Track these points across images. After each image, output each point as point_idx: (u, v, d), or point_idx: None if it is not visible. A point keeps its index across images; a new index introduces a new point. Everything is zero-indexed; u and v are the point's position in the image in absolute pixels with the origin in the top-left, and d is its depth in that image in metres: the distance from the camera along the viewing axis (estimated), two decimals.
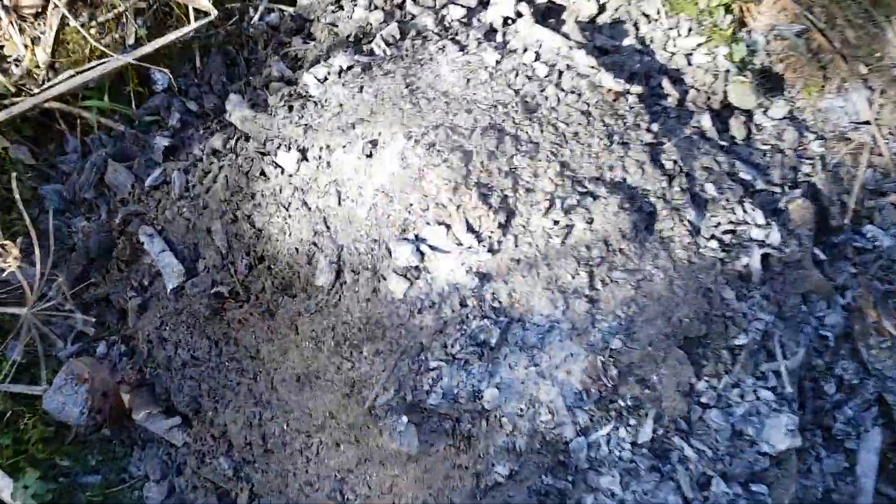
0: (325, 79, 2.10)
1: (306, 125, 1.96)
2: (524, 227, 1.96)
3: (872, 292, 2.67)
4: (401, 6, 2.41)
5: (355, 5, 2.38)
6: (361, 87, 2.03)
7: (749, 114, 2.95)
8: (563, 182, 2.07)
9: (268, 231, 1.91)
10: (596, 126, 2.22)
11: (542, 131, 2.11)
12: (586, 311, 1.99)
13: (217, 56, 2.39)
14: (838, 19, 2.96)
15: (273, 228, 1.90)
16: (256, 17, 2.46)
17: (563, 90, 2.21)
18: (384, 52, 2.18)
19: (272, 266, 1.91)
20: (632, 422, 2.10)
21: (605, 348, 2.04)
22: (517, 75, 2.17)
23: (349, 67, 2.10)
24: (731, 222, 2.53)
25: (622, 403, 2.06)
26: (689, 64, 2.74)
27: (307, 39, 2.37)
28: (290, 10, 2.48)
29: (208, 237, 1.98)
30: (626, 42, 2.61)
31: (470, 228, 1.85)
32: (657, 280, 2.21)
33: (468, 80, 2.13)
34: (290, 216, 1.87)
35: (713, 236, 2.46)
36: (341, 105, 1.99)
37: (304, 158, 1.93)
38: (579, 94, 2.23)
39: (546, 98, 2.18)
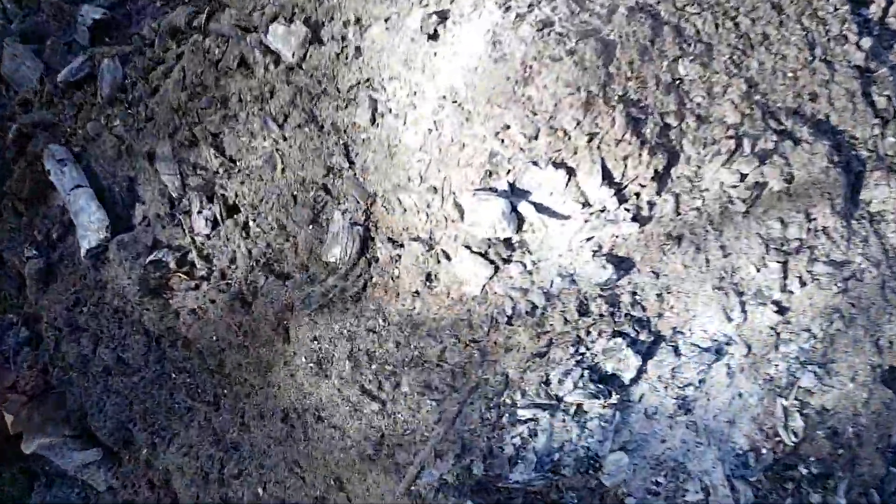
0: None
1: None
2: (692, 180, 1.12)
3: None
4: None
5: None
6: None
7: None
8: (752, 111, 1.23)
9: (246, 162, 1.09)
10: (791, 28, 1.36)
11: (717, 26, 1.25)
12: (771, 326, 1.19)
13: None
14: None
15: (255, 158, 1.07)
16: None
17: None
18: None
19: (250, 222, 1.09)
20: (814, 499, 1.34)
21: (790, 385, 1.25)
22: None
23: None
24: None
25: (804, 472, 1.38)
26: None
27: None
28: None
29: (150, 169, 1.16)
30: None
31: (607, 177, 1.03)
32: (867, 279, 1.41)
33: None
34: (284, 139, 1.04)
35: None
36: None
37: (316, 39, 1.09)
38: None
39: None
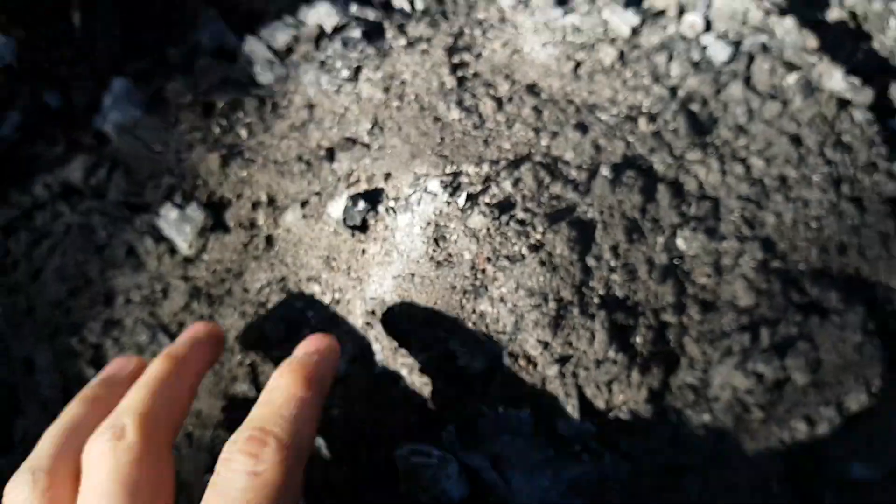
0: (290, 51, 1.04)
1: (237, 150, 0.88)
2: (697, 390, 0.89)
3: None
4: None
5: None
6: (358, 71, 0.97)
7: None
8: (770, 284, 0.99)
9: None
10: (813, 165, 1.14)
11: (723, 174, 1.03)
12: None
13: (109, 3, 1.32)
14: None
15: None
16: None
17: (756, 93, 1.13)
18: (411, 3, 1.11)
19: None
20: None
21: None
22: (672, 58, 1.09)
23: (339, 28, 1.03)
24: None
25: None
26: None
27: None
28: None
29: (30, 379, 0.93)
30: (832, 15, 1.51)
31: (587, 411, 0.79)
32: None
33: (578, 64, 1.05)
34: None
35: None
36: (311, 107, 0.93)
37: (219, 225, 0.86)
38: (784, 103, 1.14)
39: (725, 107, 1.10)
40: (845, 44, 1.54)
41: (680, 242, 0.93)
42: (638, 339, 0.82)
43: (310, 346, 0.59)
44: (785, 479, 0.91)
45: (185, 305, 0.82)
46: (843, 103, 1.26)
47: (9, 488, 0.49)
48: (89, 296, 0.87)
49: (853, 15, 1.59)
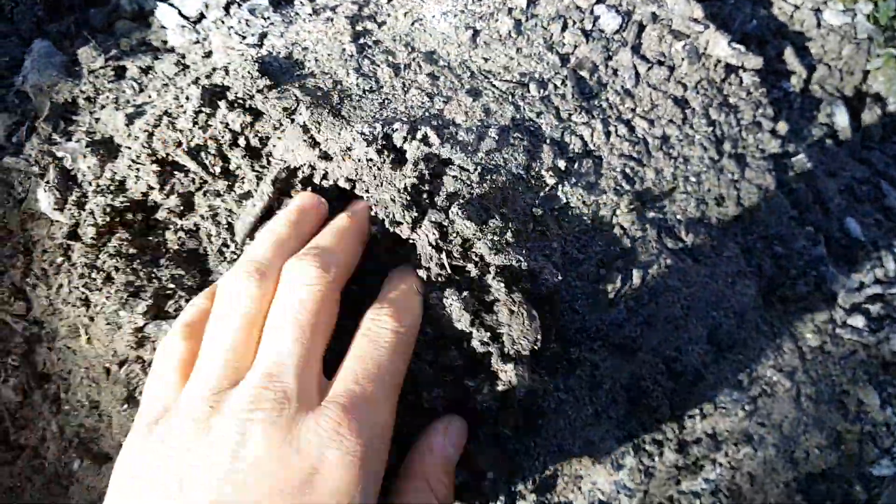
0: (202, 17, 1.09)
1: (143, 110, 0.95)
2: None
3: None
4: None
5: None
6: (264, 37, 1.03)
7: (883, 103, 1.96)
8: (645, 232, 1.11)
9: (52, 325, 0.93)
10: (697, 126, 1.24)
11: (607, 133, 1.13)
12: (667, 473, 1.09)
13: None
14: None
15: (60, 323, 0.92)
16: None
17: (644, 59, 1.23)
18: None
19: (61, 395, 0.94)
20: None
21: None
22: (566, 28, 1.18)
23: None
24: (880, 281, 1.58)
25: None
26: (819, 25, 1.74)
27: None
28: None
29: None
30: None
31: None
32: (780, 391, 1.30)
33: (476, 32, 1.13)
34: (89, 306, 0.88)
35: (855, 306, 1.51)
36: (215, 70, 0.99)
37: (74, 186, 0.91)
38: (671, 69, 1.24)
39: (615, 72, 1.20)
40: (743, 10, 1.65)
41: (561, 194, 1.03)
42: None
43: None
44: (663, 398, 1.03)
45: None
46: (732, 68, 1.37)
47: (228, 279, 0.60)
48: (10, 245, 0.94)
49: None
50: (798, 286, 1.36)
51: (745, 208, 1.30)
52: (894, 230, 1.69)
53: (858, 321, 1.49)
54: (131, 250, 0.79)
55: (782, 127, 1.42)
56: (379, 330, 0.57)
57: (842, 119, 1.67)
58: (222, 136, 0.86)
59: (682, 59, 1.26)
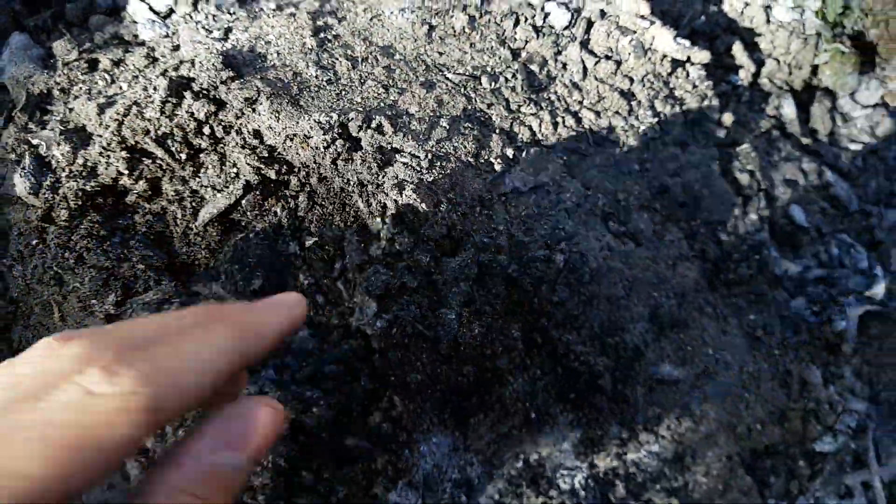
0: (170, 13, 1.15)
1: (113, 101, 1.01)
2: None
3: None
4: None
5: None
6: (229, 32, 1.10)
7: (833, 97, 2.05)
8: (588, 217, 1.18)
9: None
10: (643, 117, 1.32)
11: (555, 124, 1.21)
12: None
13: None
14: None
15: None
16: None
17: (592, 54, 1.30)
18: None
19: None
20: None
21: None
22: (517, 24, 1.25)
23: None
24: (824, 265, 1.68)
25: None
26: (768, 21, 1.82)
27: None
28: None
29: None
30: None
31: None
32: (721, 370, 1.39)
33: (431, 27, 1.20)
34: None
35: (799, 289, 1.60)
36: (182, 62, 1.05)
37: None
38: (618, 63, 1.32)
39: (564, 66, 1.27)
40: (693, 6, 1.73)
41: (508, 181, 1.11)
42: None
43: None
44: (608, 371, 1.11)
45: None
46: (679, 62, 1.45)
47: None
48: None
49: None
50: (741, 270, 1.44)
51: (689, 195, 1.38)
52: (839, 218, 1.78)
53: (801, 304, 1.58)
54: (102, 232, 0.86)
55: (727, 118, 1.51)
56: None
57: (789, 111, 1.76)
58: (188, 125, 0.93)
59: (629, 54, 1.33)
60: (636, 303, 1.24)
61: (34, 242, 0.91)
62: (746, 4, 1.79)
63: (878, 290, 1.64)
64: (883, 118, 1.98)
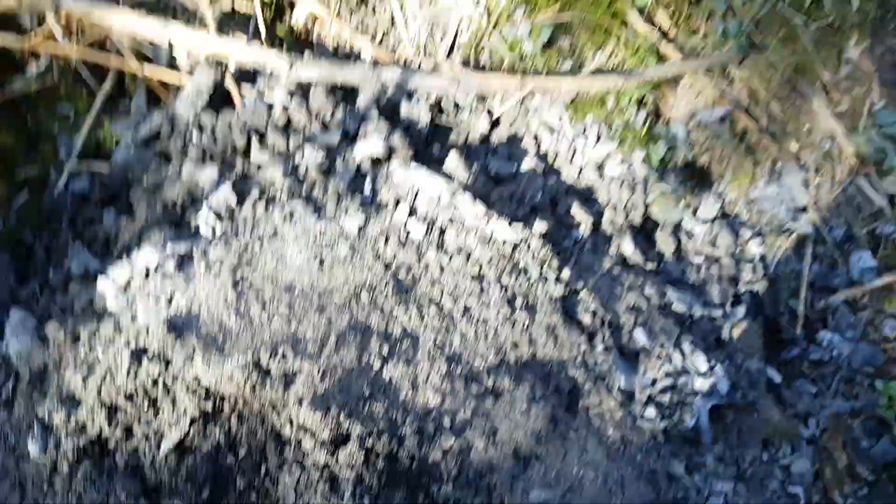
0: (128, 284, 1.59)
1: (94, 368, 1.43)
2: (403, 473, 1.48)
3: (840, 424, 2.26)
4: (245, 152, 1.93)
5: (185, 157, 1.88)
6: (172, 298, 1.53)
7: (665, 227, 2.47)
8: (453, 385, 1.60)
9: None
10: (492, 292, 1.76)
11: (421, 316, 1.64)
12: None
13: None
14: (761, 93, 2.58)
15: None
16: (61, 184, 1.94)
17: (446, 253, 1.75)
18: (213, 230, 1.69)
19: None
20: None
21: None
22: (387, 242, 1.71)
23: (158, 267, 1.59)
24: (669, 374, 2.08)
25: None
26: (602, 177, 2.32)
27: (122, 211, 1.86)
28: (105, 169, 1.96)
29: None
30: (526, 163, 2.18)
31: None
32: (587, 483, 1.76)
33: (322, 260, 1.65)
34: None
35: (650, 399, 1.99)
36: (139, 333, 1.47)
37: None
38: (468, 255, 1.77)
39: (426, 267, 1.72)
40: (534, 184, 2.20)
41: (385, 373, 1.53)
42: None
43: None
44: None
45: None
46: (520, 241, 1.90)
47: None
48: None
49: (545, 156, 2.28)
50: (591, 395, 1.85)
51: (537, 345, 1.81)
52: (685, 327, 2.19)
53: (652, 412, 1.96)
54: (94, 475, 1.26)
55: (566, 274, 1.96)
56: None
57: (628, 247, 2.21)
58: (147, 381, 1.35)
59: (475, 246, 1.79)
60: (500, 448, 1.64)
61: (45, 489, 1.31)
62: (581, 169, 2.29)
63: (722, 386, 2.04)
64: (721, 229, 2.44)
